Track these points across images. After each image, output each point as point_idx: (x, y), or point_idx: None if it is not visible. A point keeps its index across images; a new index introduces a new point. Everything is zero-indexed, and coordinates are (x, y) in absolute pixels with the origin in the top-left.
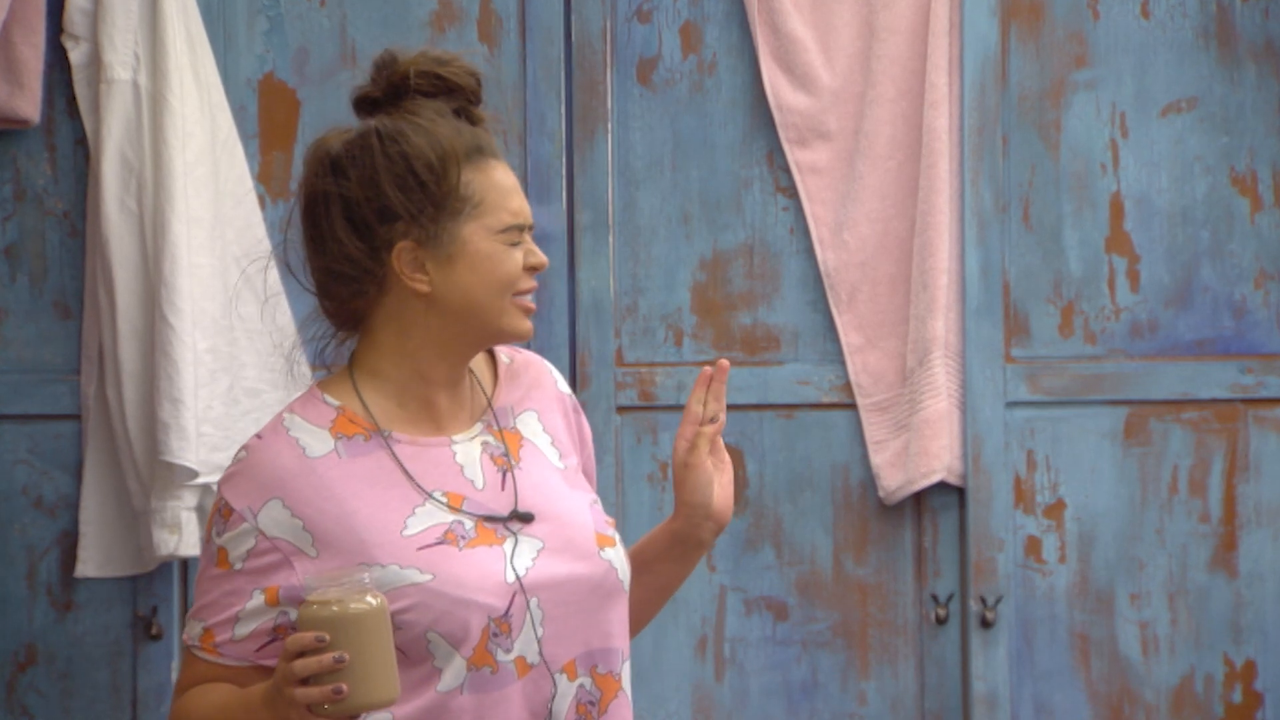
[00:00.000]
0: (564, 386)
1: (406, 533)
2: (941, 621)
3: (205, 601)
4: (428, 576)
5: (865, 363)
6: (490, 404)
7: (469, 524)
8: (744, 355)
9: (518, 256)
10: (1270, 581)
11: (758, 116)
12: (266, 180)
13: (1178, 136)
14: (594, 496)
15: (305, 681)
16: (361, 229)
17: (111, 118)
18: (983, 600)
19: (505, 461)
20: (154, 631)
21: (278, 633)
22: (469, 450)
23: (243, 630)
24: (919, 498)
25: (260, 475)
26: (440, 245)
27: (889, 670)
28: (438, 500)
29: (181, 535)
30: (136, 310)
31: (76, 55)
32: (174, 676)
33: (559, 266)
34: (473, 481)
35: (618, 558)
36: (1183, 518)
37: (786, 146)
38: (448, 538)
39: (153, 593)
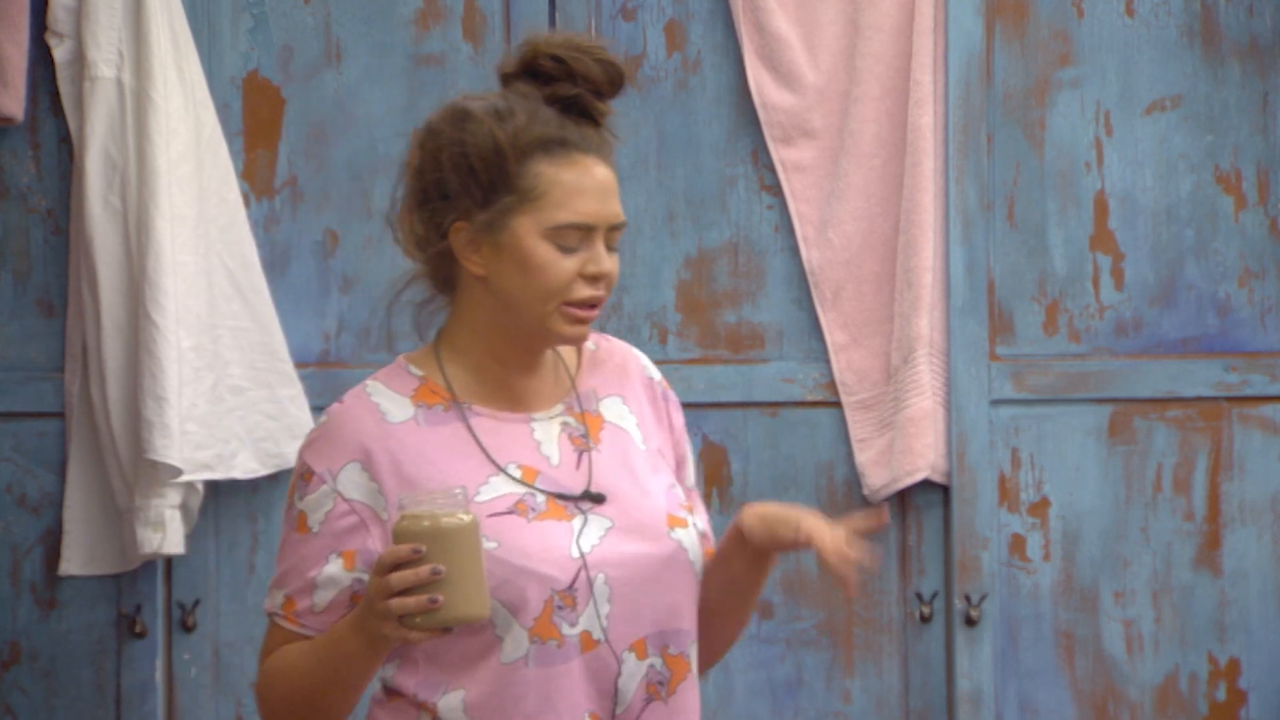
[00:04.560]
0: (653, 372)
1: (478, 499)
2: (926, 620)
3: (285, 568)
4: (493, 544)
5: (850, 361)
6: (574, 386)
7: (540, 498)
8: (729, 353)
9: (568, 264)
10: (1254, 579)
11: (742, 114)
12: (251, 178)
13: (1162, 135)
14: (672, 480)
15: (399, 595)
16: (426, 202)
17: (95, 115)
18: (967, 598)
19: (583, 443)
20: (138, 629)
21: (354, 601)
22: (547, 429)
23: (321, 599)
24: (904, 496)
25: (340, 438)
26: (491, 233)
27: (873, 668)
28: (511, 473)
29: (165, 533)
30: (120, 308)
31: (60, 53)
32: (158, 675)
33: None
34: (548, 458)
35: (688, 538)
36: (1167, 516)
37: (771, 145)
38: (518, 508)
39: (136, 591)
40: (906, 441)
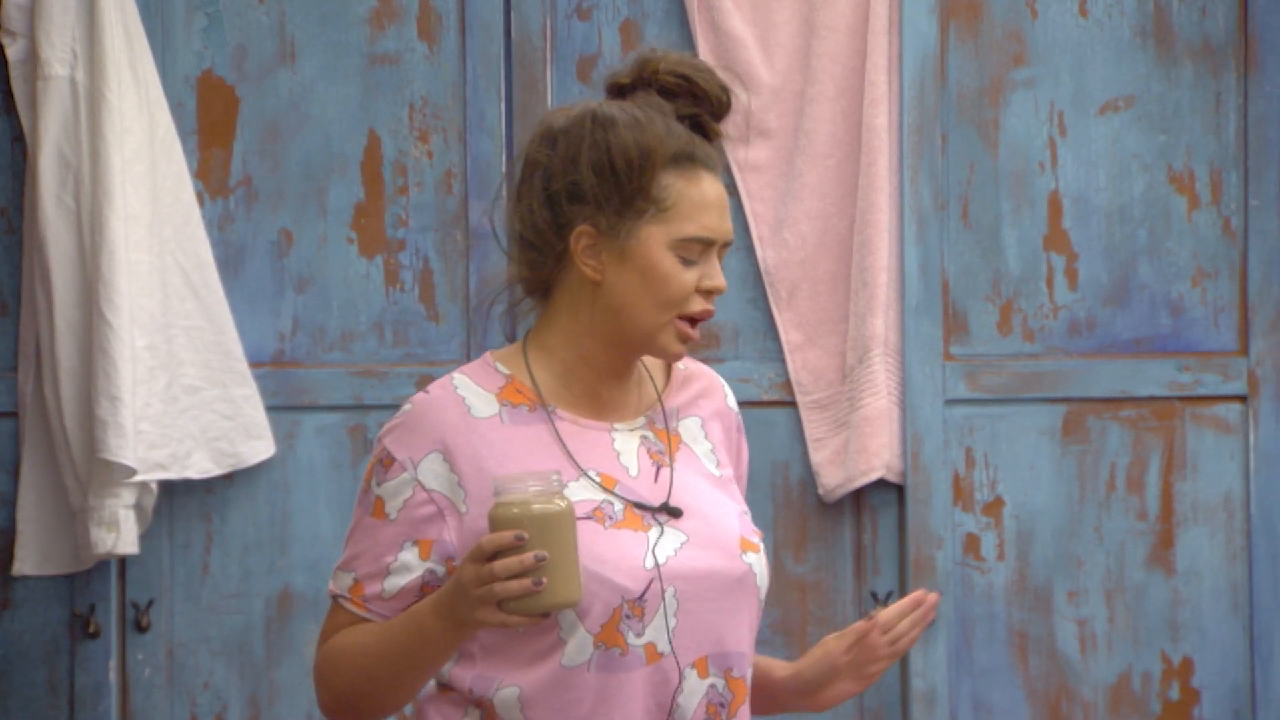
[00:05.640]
0: (733, 403)
1: None
2: None
3: (357, 551)
4: None
5: (805, 360)
6: (661, 401)
7: (618, 506)
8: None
9: (688, 276)
10: (1207, 579)
11: None
12: (205, 177)
13: (1115, 135)
14: (744, 508)
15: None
16: (553, 202)
17: (49, 114)
18: None
19: (661, 458)
20: (91, 629)
21: (424, 591)
22: (628, 440)
23: (392, 586)
24: (858, 495)
25: (423, 427)
26: (618, 239)
27: None
28: (591, 478)
29: (119, 533)
30: (74, 307)
31: (13, 51)
32: (111, 676)
33: (501, 263)
34: (628, 469)
35: (759, 564)
36: (1120, 515)
37: (726, 144)
38: (595, 515)
39: (90, 591)
40: (861, 441)
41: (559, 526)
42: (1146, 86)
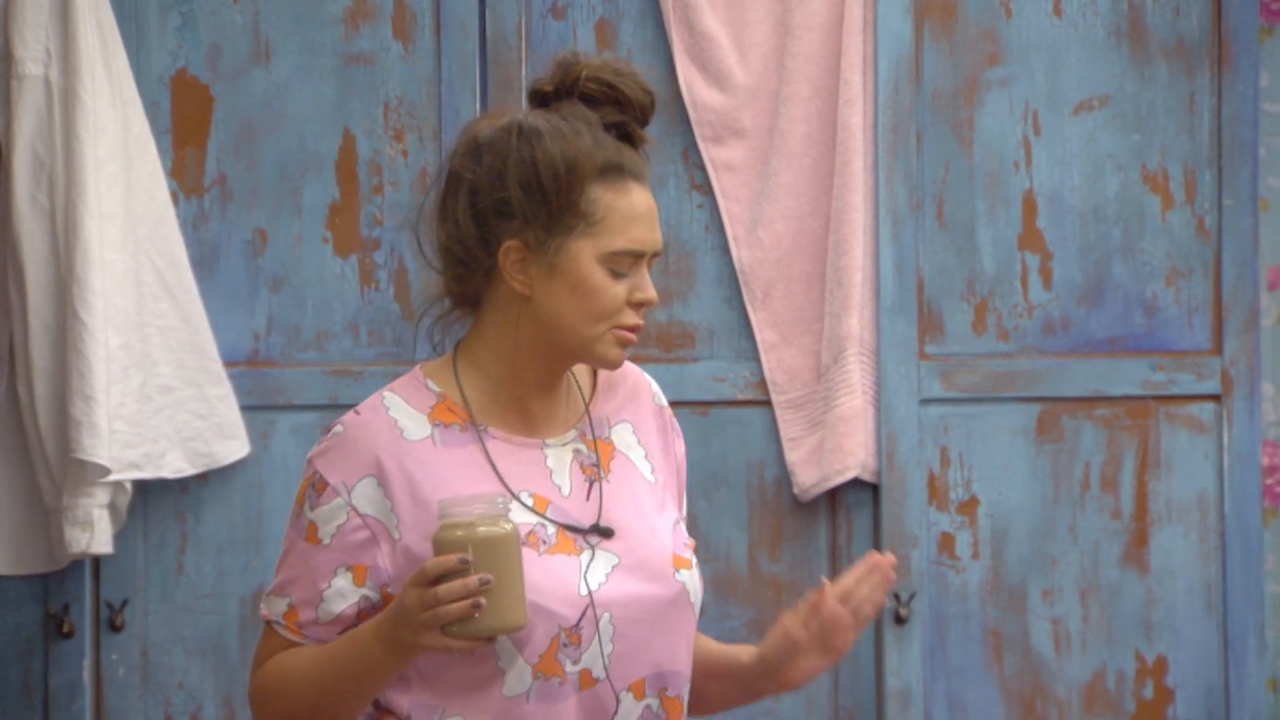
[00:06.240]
0: (662, 400)
1: None
2: None
3: (290, 576)
4: None
5: (780, 360)
6: (588, 411)
7: (550, 529)
8: (659, 352)
9: (619, 290)
10: (1181, 578)
11: (673, 113)
12: (179, 176)
13: (1089, 134)
14: (678, 515)
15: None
16: (480, 217)
17: (22, 114)
18: (896, 597)
19: (594, 472)
20: (65, 629)
21: (360, 616)
22: (560, 456)
23: (327, 613)
24: (834, 495)
25: (356, 451)
26: (546, 254)
27: None
28: (524, 501)
29: (93, 533)
30: (48, 306)
31: None
32: (85, 675)
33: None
34: (560, 488)
35: (691, 580)
36: (1094, 514)
37: (701, 144)
38: (529, 539)
39: (64, 591)
40: (836, 440)
41: (504, 550)
42: (1121, 86)
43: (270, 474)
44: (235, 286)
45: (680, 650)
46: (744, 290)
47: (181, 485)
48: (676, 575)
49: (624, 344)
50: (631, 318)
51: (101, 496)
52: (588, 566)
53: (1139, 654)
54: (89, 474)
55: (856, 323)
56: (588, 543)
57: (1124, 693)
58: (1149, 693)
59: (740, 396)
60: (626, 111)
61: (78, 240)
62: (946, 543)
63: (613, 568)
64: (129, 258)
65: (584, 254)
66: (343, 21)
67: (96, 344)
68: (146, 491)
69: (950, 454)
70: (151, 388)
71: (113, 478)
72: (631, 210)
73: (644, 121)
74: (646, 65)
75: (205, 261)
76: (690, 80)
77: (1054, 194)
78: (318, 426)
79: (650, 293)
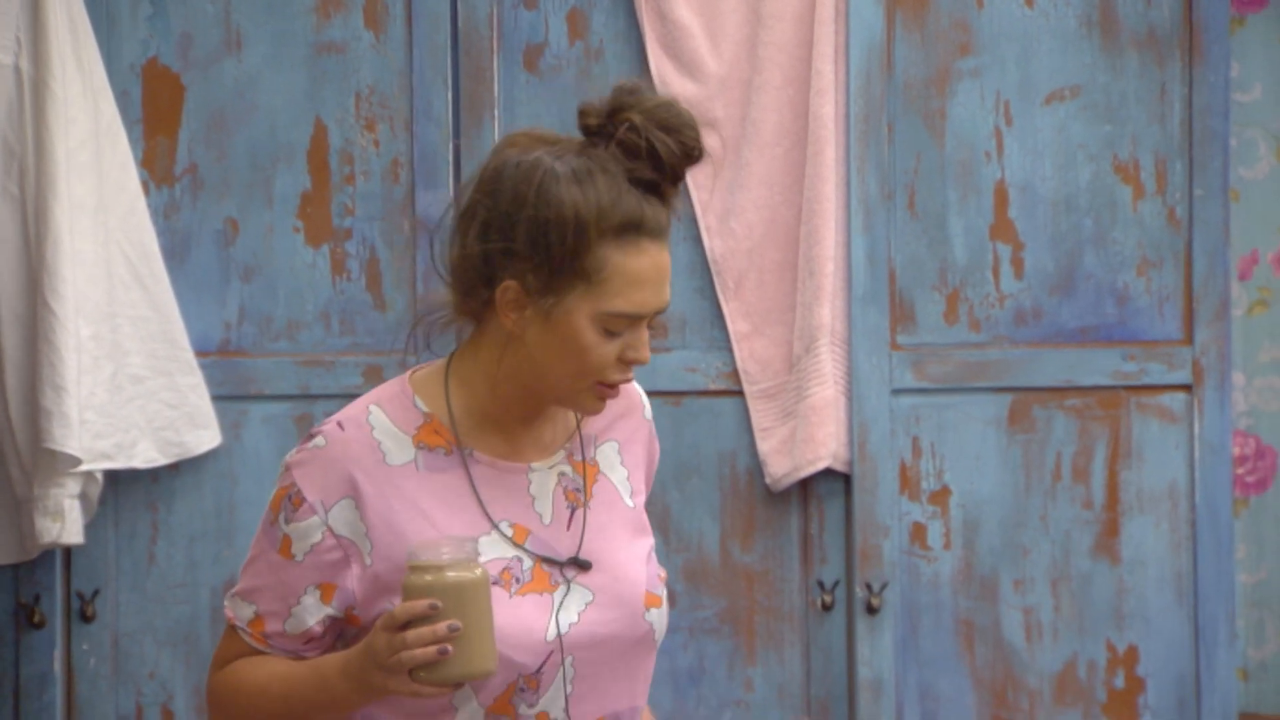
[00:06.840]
0: (649, 413)
1: None
2: (827, 608)
3: (259, 584)
4: None
5: (752, 350)
6: (579, 429)
7: (527, 564)
8: None
9: (609, 349)
10: (1152, 567)
11: None
12: (150, 165)
13: (1061, 125)
14: (652, 542)
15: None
16: (486, 253)
17: None
18: (868, 587)
19: (577, 497)
20: (36, 620)
21: (325, 633)
22: (544, 480)
23: (293, 627)
24: (805, 485)
25: (336, 470)
26: (544, 302)
27: (775, 657)
28: (503, 532)
29: (64, 523)
30: (18, 296)
31: None
32: (56, 666)
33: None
34: (541, 515)
35: (659, 620)
36: (1066, 504)
37: None
38: (503, 576)
39: (35, 581)
40: (808, 430)
41: (473, 595)
42: (1092, 76)
43: (242, 464)
44: (206, 276)
45: (639, 688)
46: (716, 280)
47: (153, 475)
48: (647, 615)
49: (604, 398)
50: (617, 375)
51: (72, 486)
52: (560, 604)
53: (1110, 643)
54: (60, 464)
55: (828, 313)
56: (564, 576)
57: (1095, 682)
58: (1120, 682)
59: (712, 386)
60: (660, 173)
61: (48, 230)
62: (918, 533)
63: (586, 605)
64: (99, 247)
65: (580, 311)
66: (314, 11)
67: (67, 334)
68: (117, 481)
69: (922, 444)
70: (123, 377)
71: (84, 468)
72: (639, 274)
73: (679, 177)
74: (618, 55)
75: (176, 251)
76: (662, 70)
77: (1025, 184)
78: (289, 416)
79: (643, 354)
